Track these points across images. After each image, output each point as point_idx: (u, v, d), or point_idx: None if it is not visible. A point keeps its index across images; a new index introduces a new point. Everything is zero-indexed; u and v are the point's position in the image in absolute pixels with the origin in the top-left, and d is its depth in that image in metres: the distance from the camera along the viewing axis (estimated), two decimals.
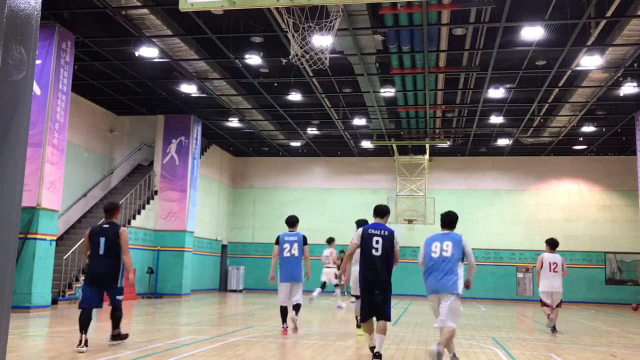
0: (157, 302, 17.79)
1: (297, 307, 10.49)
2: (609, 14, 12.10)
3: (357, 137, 24.17)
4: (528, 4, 12.49)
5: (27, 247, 13.22)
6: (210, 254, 25.51)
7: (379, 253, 7.23)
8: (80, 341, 7.31)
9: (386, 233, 7.33)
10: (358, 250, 7.46)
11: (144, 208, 20.00)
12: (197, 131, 21.40)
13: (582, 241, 25.27)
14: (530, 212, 25.82)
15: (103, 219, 8.39)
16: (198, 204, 22.34)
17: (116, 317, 7.82)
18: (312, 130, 23.20)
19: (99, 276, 7.72)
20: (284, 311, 10.34)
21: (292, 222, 10.98)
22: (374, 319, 7.27)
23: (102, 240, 7.75)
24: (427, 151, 24.24)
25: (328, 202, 27.26)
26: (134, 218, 19.41)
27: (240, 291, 25.76)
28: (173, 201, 20.69)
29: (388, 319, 7.18)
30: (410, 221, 24.72)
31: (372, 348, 7.50)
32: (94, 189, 19.90)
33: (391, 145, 24.16)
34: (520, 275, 25.47)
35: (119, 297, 7.87)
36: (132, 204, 19.51)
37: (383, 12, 12.35)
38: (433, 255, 6.99)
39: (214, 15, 13.08)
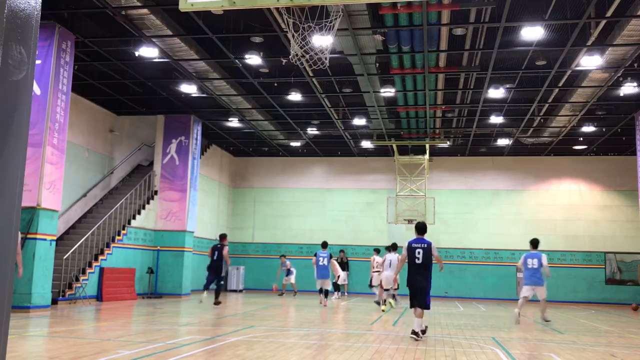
0: (157, 302, 17.80)
1: (326, 293, 18.00)
2: (609, 14, 12.10)
3: (357, 137, 24.18)
4: (528, 4, 12.49)
5: (27, 247, 13.22)
6: None
7: (420, 261, 9.82)
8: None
9: (425, 245, 9.93)
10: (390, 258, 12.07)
11: (144, 208, 20.00)
12: (197, 131, 21.40)
13: (582, 241, 25.28)
14: (530, 212, 25.83)
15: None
16: (198, 204, 22.34)
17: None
18: (312, 130, 23.20)
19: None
20: (320, 291, 17.89)
21: (324, 245, 18.65)
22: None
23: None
24: (427, 151, 24.25)
25: (328, 202, 27.27)
26: (134, 218, 19.41)
27: (240, 291, 25.76)
28: (173, 201, 20.69)
29: (426, 307, 9.80)
30: (410, 221, 24.69)
31: (415, 332, 9.68)
32: (94, 189, 19.91)
33: (391, 145, 24.16)
34: (520, 275, 25.45)
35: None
36: (132, 204, 19.52)
37: (383, 12, 12.36)
38: (529, 266, 12.99)
39: (214, 15, 13.09)
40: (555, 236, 25.45)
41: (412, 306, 9.89)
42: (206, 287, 16.62)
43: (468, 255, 25.87)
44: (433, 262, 9.87)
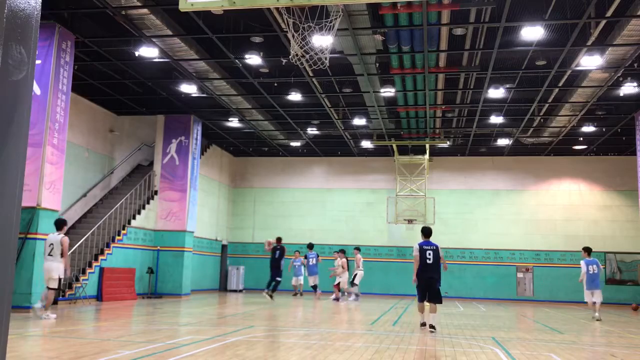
0: (157, 302, 17.80)
1: (315, 287, 21.70)
2: (609, 14, 12.10)
3: (357, 137, 24.18)
4: (528, 4, 12.49)
5: (27, 247, 13.23)
6: (210, 254, 25.51)
7: (431, 261, 11.02)
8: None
9: (434, 247, 11.18)
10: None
11: (144, 208, 20.00)
12: (197, 131, 21.40)
13: (582, 241, 25.21)
14: (530, 212, 25.83)
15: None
16: (198, 204, 22.34)
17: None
18: (312, 130, 23.20)
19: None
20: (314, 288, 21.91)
21: (311, 246, 22.30)
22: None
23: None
24: (427, 151, 24.25)
25: (328, 202, 27.26)
26: (134, 218, 19.41)
27: (240, 291, 25.76)
28: (173, 201, 20.69)
29: (439, 302, 11.06)
30: (410, 221, 24.72)
31: (422, 324, 11.11)
32: (94, 189, 19.91)
33: (391, 145, 24.16)
34: (520, 275, 25.48)
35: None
36: (132, 204, 19.52)
37: (383, 12, 12.36)
38: (590, 272, 15.13)
39: (214, 15, 13.09)
40: (555, 236, 25.45)
41: (422, 301, 11.14)
42: (269, 286, 19.00)
43: (468, 255, 25.87)
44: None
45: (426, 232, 11.39)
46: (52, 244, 11.62)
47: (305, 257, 22.43)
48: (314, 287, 22.00)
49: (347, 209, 27.01)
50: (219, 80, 17.20)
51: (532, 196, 26.03)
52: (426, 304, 11.18)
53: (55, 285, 11.48)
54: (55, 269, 11.46)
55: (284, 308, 16.50)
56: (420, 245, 11.17)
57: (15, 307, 12.46)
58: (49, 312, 11.41)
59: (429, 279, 10.99)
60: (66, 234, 17.99)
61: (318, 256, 22.38)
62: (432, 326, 10.76)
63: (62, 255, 11.58)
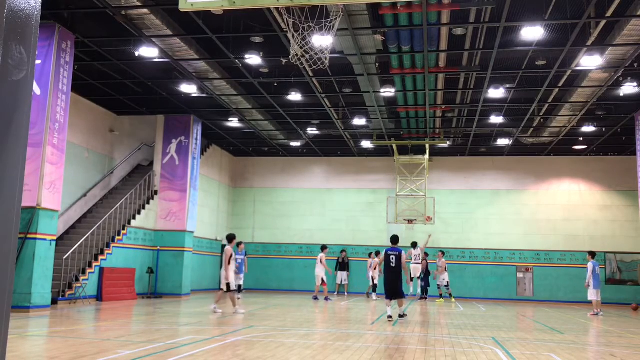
0: (157, 302, 17.80)
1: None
2: (609, 14, 12.10)
3: (357, 137, 24.17)
4: (528, 4, 12.49)
5: (27, 247, 13.22)
6: (210, 254, 25.51)
7: (394, 265, 12.77)
8: None
9: (397, 253, 12.86)
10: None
11: (144, 208, 20.00)
12: (197, 131, 21.40)
13: (582, 241, 25.27)
14: (530, 212, 25.82)
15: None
16: (198, 204, 22.34)
17: None
18: (312, 130, 23.19)
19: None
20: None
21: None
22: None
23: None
24: (427, 151, 24.25)
25: (328, 202, 27.26)
26: (134, 218, 19.41)
27: (241, 291, 25.74)
28: (173, 201, 20.69)
29: (403, 297, 13.00)
30: (410, 221, 24.72)
31: (389, 317, 12.59)
32: (94, 189, 19.90)
33: (391, 145, 24.16)
34: (520, 275, 25.47)
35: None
36: (132, 204, 19.52)
37: (383, 12, 12.35)
38: (596, 272, 16.98)
39: (214, 15, 13.09)
40: (555, 236, 25.44)
41: (389, 299, 12.86)
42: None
43: (468, 255, 25.87)
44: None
45: (393, 239, 13.27)
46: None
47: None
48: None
49: (347, 209, 27.01)
50: (219, 80, 17.20)
51: (532, 196, 26.03)
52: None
53: (224, 287, 13.98)
54: (223, 276, 14.05)
55: (284, 308, 16.49)
56: (386, 251, 13.04)
57: (15, 307, 12.46)
58: (216, 306, 14.18)
59: (391, 281, 12.83)
60: (66, 234, 18.12)
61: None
62: (401, 315, 13.14)
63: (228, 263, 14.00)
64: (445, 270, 22.44)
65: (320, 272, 20.91)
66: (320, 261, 20.88)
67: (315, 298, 21.00)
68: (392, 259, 12.78)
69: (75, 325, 10.99)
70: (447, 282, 22.44)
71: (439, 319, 14.08)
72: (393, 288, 12.82)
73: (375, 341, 9.31)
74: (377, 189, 26.95)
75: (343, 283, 25.12)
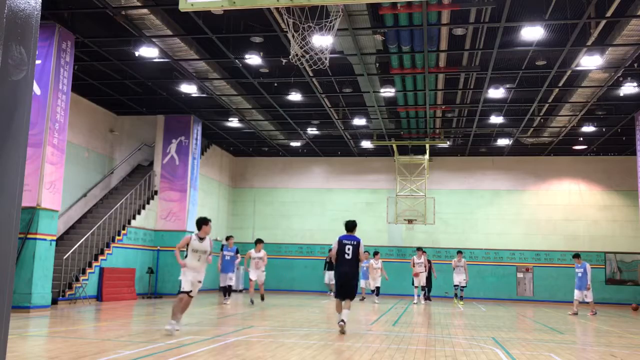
0: (157, 302, 17.80)
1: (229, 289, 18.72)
2: (609, 14, 12.10)
3: (357, 137, 24.17)
4: (528, 4, 12.49)
5: (27, 247, 13.22)
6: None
7: (349, 256, 10.50)
8: None
9: (355, 242, 10.56)
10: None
11: (144, 208, 19.99)
12: (197, 131, 21.40)
13: (582, 241, 25.26)
14: (530, 212, 25.82)
15: None
16: (198, 204, 22.33)
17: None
18: (312, 130, 23.19)
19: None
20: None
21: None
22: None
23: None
24: (427, 151, 24.24)
25: (328, 202, 27.26)
26: (134, 218, 19.41)
27: (241, 291, 25.74)
28: (173, 201, 20.69)
29: (352, 297, 10.50)
30: (410, 221, 24.71)
31: (342, 321, 10.20)
32: (94, 189, 19.90)
33: (391, 145, 24.16)
34: (520, 275, 25.47)
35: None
36: (132, 204, 19.51)
37: (383, 12, 12.35)
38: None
39: (214, 15, 13.08)
40: (555, 236, 25.43)
41: (340, 298, 10.51)
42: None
43: (468, 255, 25.82)
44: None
45: (348, 225, 10.82)
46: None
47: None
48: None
49: (347, 209, 26.99)
50: (219, 80, 17.20)
51: (532, 196, 26.03)
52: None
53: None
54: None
55: (284, 308, 16.49)
56: (341, 239, 10.64)
57: (15, 307, 12.46)
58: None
59: (344, 274, 10.51)
60: (66, 233, 18.11)
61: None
62: (343, 321, 10.17)
63: None
64: (466, 271, 21.30)
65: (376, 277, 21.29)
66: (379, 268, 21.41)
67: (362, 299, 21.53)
68: (348, 249, 10.48)
69: (76, 325, 10.99)
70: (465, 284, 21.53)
71: (439, 319, 14.08)
72: (346, 285, 10.47)
73: (375, 341, 9.31)
74: (377, 189, 26.95)
75: (331, 282, 25.06)
